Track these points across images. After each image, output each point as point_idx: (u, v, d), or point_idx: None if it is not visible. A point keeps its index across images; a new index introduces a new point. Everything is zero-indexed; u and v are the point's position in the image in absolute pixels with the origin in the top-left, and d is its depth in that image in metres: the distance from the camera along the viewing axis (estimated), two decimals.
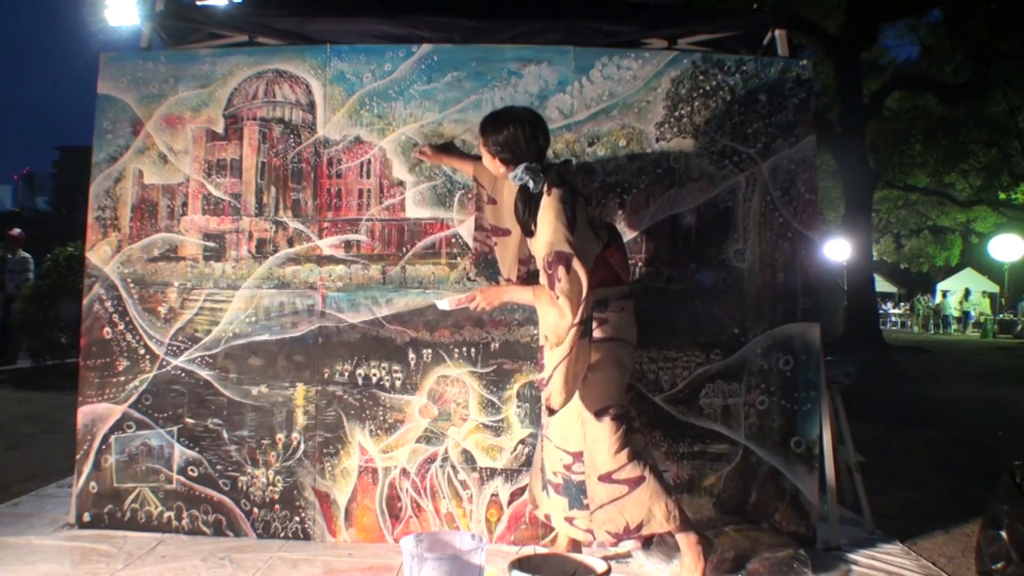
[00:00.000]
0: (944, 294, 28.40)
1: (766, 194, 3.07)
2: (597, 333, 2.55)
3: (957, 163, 19.31)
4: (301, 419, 3.05)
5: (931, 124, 17.93)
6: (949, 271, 29.64)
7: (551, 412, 2.49)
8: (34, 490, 3.60)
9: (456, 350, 3.03)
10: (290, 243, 3.10)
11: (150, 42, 3.34)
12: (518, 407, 3.01)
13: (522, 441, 3.00)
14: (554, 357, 2.41)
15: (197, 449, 3.05)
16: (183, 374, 3.07)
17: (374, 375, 3.04)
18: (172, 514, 3.04)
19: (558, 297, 2.35)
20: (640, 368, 2.98)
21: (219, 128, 3.14)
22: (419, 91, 3.08)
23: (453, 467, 3.01)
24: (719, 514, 2.97)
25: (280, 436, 3.05)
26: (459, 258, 3.05)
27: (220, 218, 3.13)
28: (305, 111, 3.12)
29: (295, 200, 3.12)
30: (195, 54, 3.23)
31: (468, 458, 3.01)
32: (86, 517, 3.05)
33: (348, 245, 3.09)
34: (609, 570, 2.33)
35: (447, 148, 3.05)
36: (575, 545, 2.73)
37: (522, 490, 2.98)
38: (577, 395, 2.50)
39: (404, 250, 3.07)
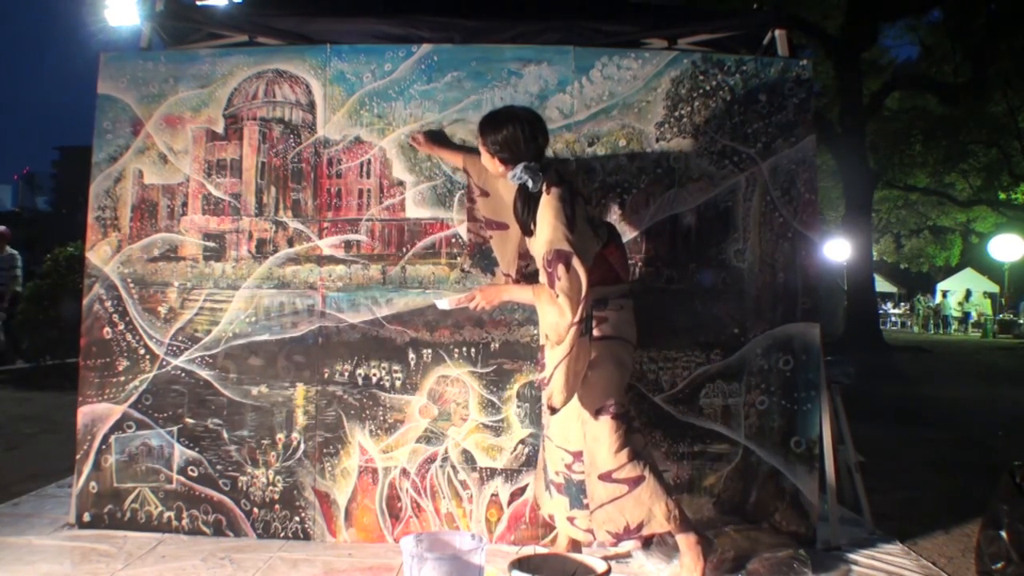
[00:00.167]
0: (944, 294, 28.40)
1: (766, 194, 3.07)
2: (596, 332, 2.55)
3: (957, 163, 19.31)
4: (301, 419, 3.05)
5: (931, 124, 17.93)
6: (949, 271, 29.64)
7: (552, 411, 2.49)
8: (34, 490, 3.60)
9: (456, 350, 3.03)
10: (290, 243, 3.10)
11: (150, 42, 3.34)
12: (518, 407, 3.01)
13: (522, 441, 3.00)
14: (555, 356, 2.41)
15: (197, 449, 3.05)
16: (183, 374, 3.07)
17: (374, 375, 3.04)
18: (172, 514, 3.04)
19: (558, 296, 2.35)
20: (640, 368, 2.98)
21: (219, 128, 3.14)
22: (419, 91, 3.08)
23: (453, 467, 3.01)
24: (719, 514, 2.97)
25: (280, 436, 3.04)
26: (459, 258, 3.05)
27: (220, 218, 3.13)
28: (305, 111, 3.12)
29: (295, 200, 3.12)
30: (195, 54, 3.23)
31: (468, 458, 3.01)
32: (86, 517, 3.05)
33: (348, 245, 3.09)
34: (609, 570, 2.33)
35: (439, 138, 3.05)
36: (575, 545, 2.73)
37: (522, 490, 2.98)
38: (576, 394, 2.50)
39: (404, 250, 3.07)
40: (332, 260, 3.08)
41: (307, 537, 3.01)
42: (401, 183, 3.08)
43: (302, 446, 3.04)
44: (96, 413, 3.08)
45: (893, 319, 28.33)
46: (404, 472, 3.01)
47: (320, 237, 3.09)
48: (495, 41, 3.18)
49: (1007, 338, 21.98)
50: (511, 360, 3.02)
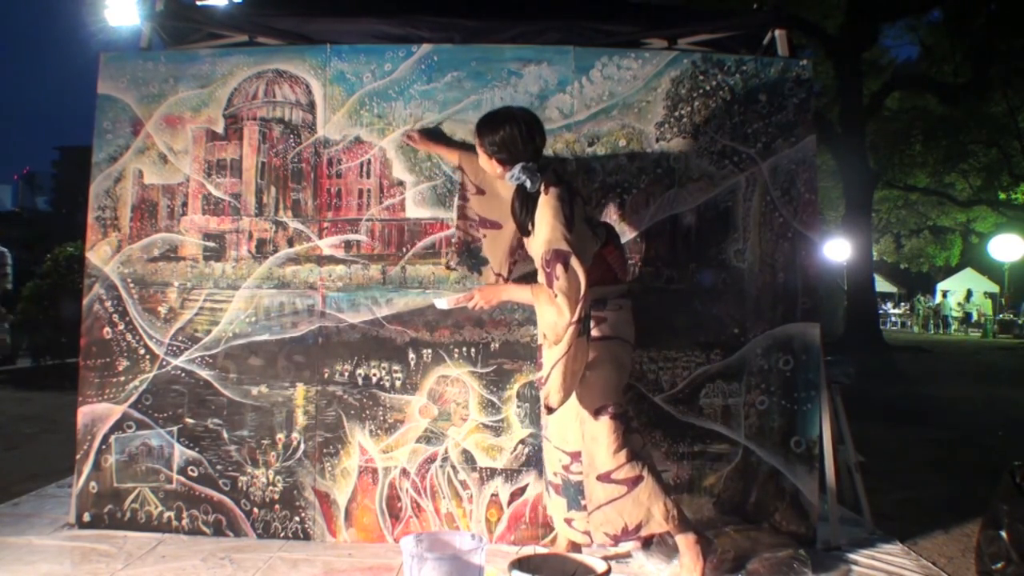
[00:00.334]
0: (944, 294, 28.40)
1: (766, 194, 3.07)
2: (595, 332, 2.55)
3: (957, 163, 19.30)
4: (301, 419, 3.05)
5: (931, 124, 17.92)
6: (949, 271, 29.63)
7: (549, 411, 2.49)
8: (34, 490, 3.61)
9: (456, 350, 3.03)
10: (290, 243, 3.10)
11: (150, 42, 3.34)
12: (518, 407, 3.01)
13: (522, 441, 3.00)
14: (552, 355, 2.41)
15: (197, 449, 3.05)
16: (183, 374, 3.07)
17: (374, 375, 3.04)
18: (172, 514, 3.04)
19: (556, 295, 2.35)
20: (640, 368, 2.98)
21: (219, 128, 3.14)
22: (419, 91, 3.08)
23: (453, 467, 3.01)
24: (719, 514, 2.97)
25: (280, 436, 3.04)
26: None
27: (220, 218, 3.13)
28: (305, 111, 3.12)
29: (295, 200, 3.12)
30: (195, 54, 3.23)
31: (468, 458, 3.01)
32: (86, 517, 3.05)
33: (348, 245, 3.09)
34: (609, 570, 2.33)
35: (435, 135, 3.05)
36: (575, 545, 2.73)
37: (522, 490, 2.98)
38: (575, 394, 2.50)
39: (404, 250, 3.07)
40: (332, 260, 3.08)
41: (307, 537, 3.01)
42: (401, 183, 3.08)
43: (302, 446, 3.04)
44: (96, 413, 3.08)
45: (893, 319, 28.32)
46: (404, 472, 3.01)
47: (320, 237, 3.09)
48: (495, 41, 3.18)
49: (1007, 338, 21.98)
50: (511, 360, 3.02)
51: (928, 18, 17.75)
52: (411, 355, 3.04)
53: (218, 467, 3.04)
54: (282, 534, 3.01)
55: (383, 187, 3.09)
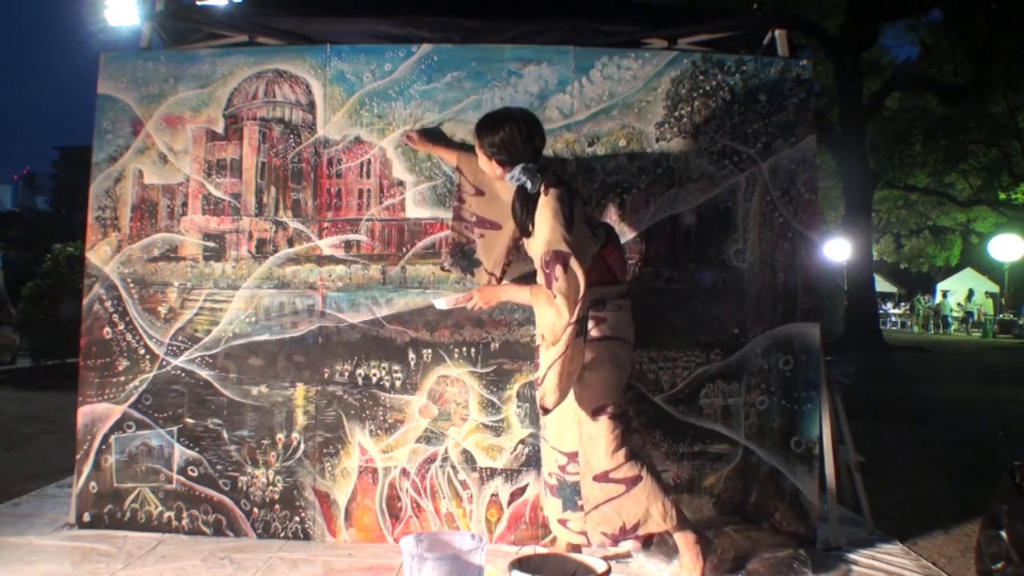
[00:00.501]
0: (944, 294, 28.39)
1: (766, 194, 3.07)
2: (595, 332, 2.55)
3: (957, 163, 19.31)
4: (301, 419, 3.05)
5: (931, 124, 17.93)
6: (949, 271, 29.63)
7: (545, 411, 2.49)
8: (34, 490, 3.60)
9: (456, 350, 3.03)
10: (290, 243, 3.10)
11: (150, 42, 3.34)
12: (518, 407, 3.01)
13: (522, 441, 3.00)
14: (549, 356, 2.41)
15: (197, 449, 3.05)
16: (183, 374, 3.07)
17: (374, 375, 3.04)
18: (172, 514, 3.04)
19: (555, 296, 2.35)
20: (640, 368, 2.98)
21: (219, 128, 3.14)
22: (419, 91, 3.08)
23: (453, 467, 3.01)
24: (719, 514, 2.97)
25: (280, 436, 3.04)
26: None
27: (220, 218, 3.13)
28: (305, 111, 3.12)
29: (295, 200, 3.12)
30: (195, 54, 3.23)
31: (468, 458, 3.01)
32: (86, 517, 3.05)
33: (348, 245, 3.09)
34: (609, 570, 2.33)
35: (434, 135, 3.05)
36: (574, 545, 2.73)
37: (522, 490, 2.98)
38: (572, 395, 2.50)
39: (404, 250, 3.07)
40: (332, 260, 3.08)
41: (307, 537, 3.01)
42: (401, 183, 3.08)
43: (302, 446, 3.04)
44: (96, 413, 3.08)
45: (893, 319, 28.33)
46: (404, 472, 3.01)
47: (320, 237, 3.09)
48: (495, 41, 3.18)
49: (1007, 338, 21.98)
50: (511, 360, 3.02)
51: (928, 18, 17.78)
52: (411, 355, 3.04)
53: (218, 467, 3.04)
54: (282, 534, 3.01)
55: (383, 187, 3.09)
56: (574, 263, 2.36)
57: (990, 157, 19.63)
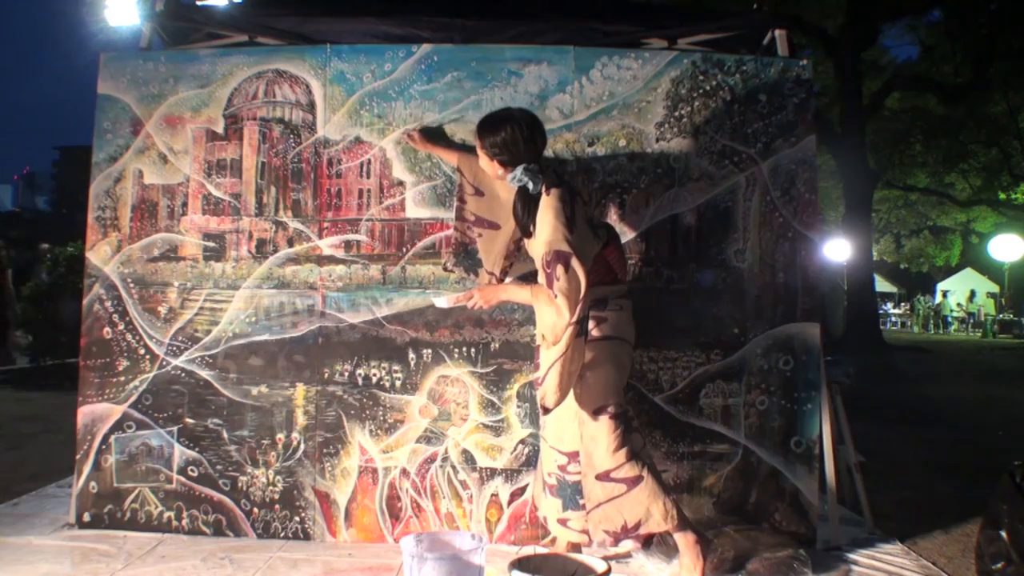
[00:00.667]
0: (944, 294, 28.39)
1: (766, 194, 3.07)
2: (596, 332, 2.55)
3: (957, 163, 19.32)
4: (301, 419, 3.05)
5: (931, 124, 17.94)
6: (949, 271, 29.65)
7: (545, 411, 2.49)
8: (34, 490, 3.60)
9: (456, 350, 3.03)
10: (290, 243, 3.10)
11: (150, 42, 3.34)
12: (518, 407, 3.01)
13: (522, 441, 3.00)
14: (549, 356, 2.41)
15: (197, 449, 3.05)
16: (183, 374, 3.07)
17: (374, 375, 3.04)
18: (172, 514, 3.04)
19: (556, 296, 2.35)
20: (640, 368, 2.98)
21: (219, 128, 3.14)
22: (419, 91, 3.08)
23: (453, 467, 3.01)
24: (719, 514, 2.97)
25: (280, 436, 3.04)
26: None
27: (220, 218, 3.13)
28: (305, 111, 3.12)
29: (295, 200, 3.12)
30: (195, 54, 3.24)
31: (468, 458, 3.01)
32: (86, 517, 3.05)
33: (348, 245, 3.09)
34: (609, 570, 2.33)
35: (434, 135, 3.05)
36: (574, 545, 2.73)
37: (522, 490, 2.98)
38: (572, 395, 2.50)
39: (404, 250, 3.07)
40: (332, 260, 3.08)
41: (307, 537, 3.01)
42: (401, 183, 3.08)
43: (302, 446, 3.04)
44: (96, 413, 3.08)
45: (893, 319, 28.31)
46: (404, 472, 3.01)
47: (320, 237, 3.09)
48: (495, 41, 3.18)
49: (1007, 338, 21.97)
50: (511, 360, 3.02)
51: (928, 18, 17.78)
52: (411, 355, 3.04)
53: (218, 467, 3.04)
54: (282, 534, 3.01)
55: (383, 187, 3.09)
56: (575, 263, 2.36)
57: (990, 157, 19.64)
